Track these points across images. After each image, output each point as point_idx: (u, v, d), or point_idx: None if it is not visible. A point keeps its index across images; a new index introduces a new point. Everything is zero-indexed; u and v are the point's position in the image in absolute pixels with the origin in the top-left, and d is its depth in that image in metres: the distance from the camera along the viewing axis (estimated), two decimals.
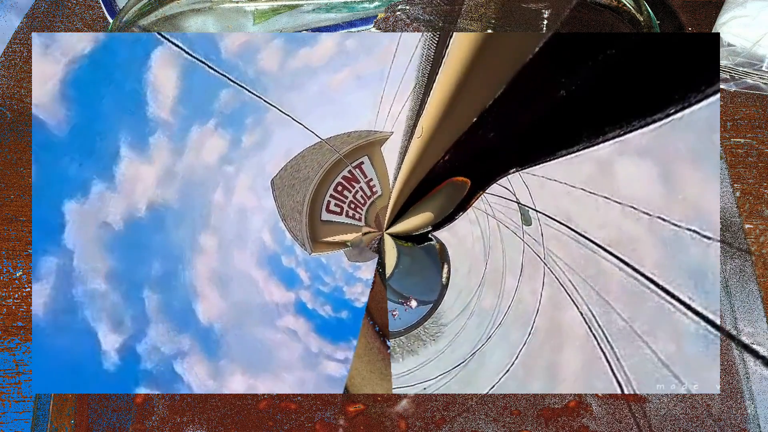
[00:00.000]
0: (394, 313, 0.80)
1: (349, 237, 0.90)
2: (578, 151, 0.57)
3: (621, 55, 0.50)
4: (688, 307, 0.47)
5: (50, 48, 0.71)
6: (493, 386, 0.66)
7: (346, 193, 0.91)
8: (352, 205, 0.91)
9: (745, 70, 0.71)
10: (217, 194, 0.83)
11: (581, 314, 0.58)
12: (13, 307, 0.65)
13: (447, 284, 0.82)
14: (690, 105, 0.44)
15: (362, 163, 0.91)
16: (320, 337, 0.82)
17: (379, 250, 0.87)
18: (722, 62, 0.72)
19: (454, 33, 0.68)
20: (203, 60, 0.77)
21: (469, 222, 0.80)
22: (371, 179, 0.92)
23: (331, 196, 0.91)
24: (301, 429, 0.57)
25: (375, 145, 0.90)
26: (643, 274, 0.51)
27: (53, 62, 0.71)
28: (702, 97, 0.43)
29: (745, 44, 0.71)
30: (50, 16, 0.85)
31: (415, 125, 0.83)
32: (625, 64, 0.50)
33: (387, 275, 0.85)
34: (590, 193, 0.58)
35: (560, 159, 0.60)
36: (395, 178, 0.90)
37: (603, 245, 0.56)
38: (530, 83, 0.58)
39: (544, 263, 0.67)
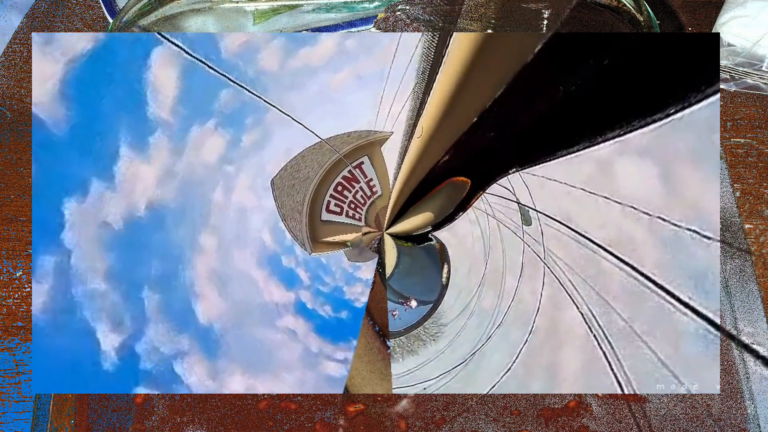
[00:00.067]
0: (394, 313, 0.80)
1: (349, 237, 0.90)
2: (578, 151, 0.57)
3: (621, 55, 0.50)
4: (688, 306, 0.47)
5: (50, 48, 0.71)
6: (493, 386, 0.66)
7: (346, 193, 0.91)
8: (352, 205, 0.91)
9: (745, 70, 0.72)
10: (217, 194, 0.83)
11: (581, 314, 0.58)
12: (13, 307, 0.65)
13: (447, 284, 0.82)
14: (690, 105, 0.44)
15: (362, 163, 0.91)
16: (320, 337, 0.82)
17: (379, 250, 0.87)
18: (722, 62, 0.72)
19: (454, 33, 0.68)
20: (203, 60, 0.77)
21: (469, 222, 0.80)
22: (371, 179, 0.92)
23: (331, 196, 0.91)
24: (301, 429, 0.57)
25: (375, 145, 0.90)
26: (643, 274, 0.51)
27: (53, 62, 0.71)
28: (702, 97, 0.43)
29: (745, 44, 0.71)
30: (50, 16, 0.85)
31: (415, 125, 0.83)
32: (625, 64, 0.50)
33: (387, 275, 0.85)
34: (590, 193, 0.58)
35: (560, 159, 0.60)
36: (395, 178, 0.90)
37: (603, 245, 0.56)
38: (530, 83, 0.58)
39: (544, 263, 0.67)
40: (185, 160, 0.80)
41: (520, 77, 0.58)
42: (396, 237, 0.87)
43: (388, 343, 0.79)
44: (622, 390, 0.52)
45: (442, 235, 0.83)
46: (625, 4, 0.64)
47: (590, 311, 0.57)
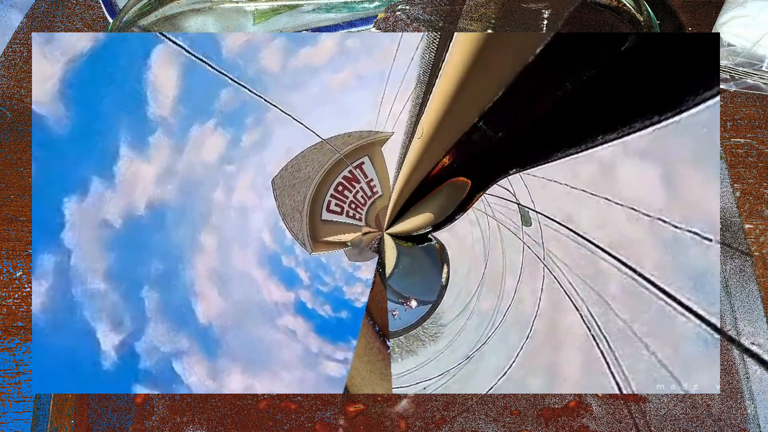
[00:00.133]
0: (394, 313, 0.80)
1: (349, 237, 0.90)
2: (579, 152, 0.57)
3: (621, 55, 0.50)
4: (688, 309, 0.47)
5: (50, 48, 0.71)
6: (493, 386, 0.66)
7: (346, 193, 0.91)
8: (353, 205, 0.91)
9: (745, 70, 0.71)
10: (217, 193, 0.83)
11: (581, 315, 0.58)
12: (13, 307, 0.65)
13: (446, 285, 0.82)
14: (690, 105, 0.44)
15: (363, 163, 0.91)
16: (320, 336, 0.82)
17: (379, 250, 0.87)
18: (722, 62, 0.72)
19: (455, 33, 0.68)
20: (204, 59, 0.77)
21: (469, 223, 0.80)
22: (371, 179, 0.92)
23: (332, 195, 0.91)
24: (301, 429, 0.57)
25: (375, 146, 0.90)
26: (642, 276, 0.51)
27: (53, 62, 0.71)
28: (702, 98, 0.43)
29: (745, 44, 0.71)
30: (50, 16, 0.85)
31: (415, 126, 0.83)
32: (625, 64, 0.50)
33: (387, 275, 0.85)
34: (591, 194, 0.58)
35: (561, 160, 0.60)
36: (395, 179, 0.90)
37: (603, 246, 0.56)
38: (531, 84, 0.58)
39: (544, 264, 0.67)
40: (185, 160, 0.80)
41: (521, 78, 0.58)
42: (396, 237, 0.87)
43: (388, 343, 0.79)
44: (620, 390, 0.52)
45: (442, 235, 0.83)
46: (625, 4, 0.64)
47: (590, 312, 0.57)
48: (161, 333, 0.75)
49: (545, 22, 0.67)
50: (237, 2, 0.69)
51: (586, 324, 0.57)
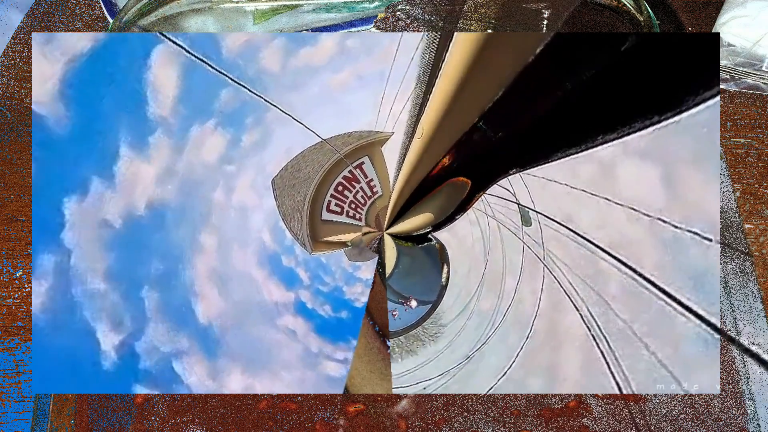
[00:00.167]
0: (394, 313, 0.80)
1: (349, 237, 0.90)
2: (579, 152, 0.57)
3: (621, 55, 0.50)
4: (688, 309, 0.47)
5: (50, 48, 0.71)
6: (493, 386, 0.66)
7: (346, 193, 0.91)
8: (353, 205, 0.91)
9: (745, 70, 0.71)
10: (217, 193, 0.83)
11: (581, 315, 0.58)
12: (13, 307, 0.65)
13: (446, 285, 0.82)
14: (690, 105, 0.44)
15: (363, 163, 0.91)
16: (320, 336, 0.82)
17: (379, 250, 0.87)
18: (722, 62, 0.72)
19: (455, 33, 0.68)
20: (204, 59, 0.77)
21: (469, 223, 0.80)
22: (372, 179, 0.92)
23: (332, 195, 0.91)
24: (301, 429, 0.57)
25: (375, 146, 0.90)
26: (642, 276, 0.51)
27: (53, 62, 0.71)
28: (702, 98, 0.43)
29: (745, 44, 0.71)
30: (50, 16, 0.85)
31: (415, 126, 0.83)
32: (625, 64, 0.50)
33: (387, 275, 0.85)
34: (591, 194, 0.58)
35: (561, 160, 0.60)
36: (395, 179, 0.90)
37: (603, 246, 0.56)
38: (531, 84, 0.58)
39: (544, 264, 0.67)
40: (185, 160, 0.80)
41: (521, 78, 0.58)
42: (396, 237, 0.87)
43: (388, 343, 0.79)
44: (620, 390, 0.52)
45: (442, 235, 0.83)
46: (625, 4, 0.64)
47: (590, 312, 0.57)
48: (161, 333, 0.75)
49: (545, 22, 0.67)
50: (237, 2, 0.69)
51: (586, 324, 0.57)
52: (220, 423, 0.58)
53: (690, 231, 0.46)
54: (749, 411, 0.55)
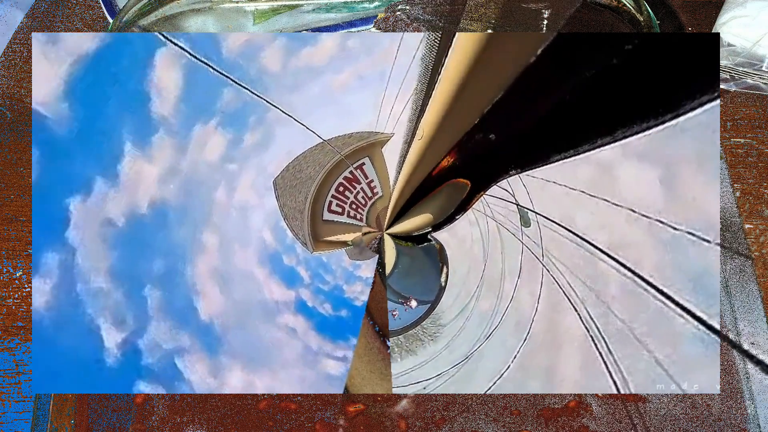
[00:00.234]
0: (394, 313, 0.80)
1: (349, 237, 0.90)
2: (579, 153, 0.57)
3: (621, 56, 0.50)
4: (687, 311, 0.47)
5: (50, 47, 0.71)
6: (492, 386, 0.66)
7: (347, 193, 0.91)
8: (354, 206, 0.91)
9: (745, 70, 0.71)
10: (219, 193, 0.83)
11: (580, 316, 0.58)
12: (13, 307, 0.65)
13: (446, 285, 0.82)
14: (690, 105, 0.44)
15: (363, 164, 0.91)
16: (320, 335, 0.83)
17: (379, 250, 0.87)
18: (722, 62, 0.72)
19: (456, 34, 0.68)
20: (205, 61, 0.77)
21: (468, 223, 0.80)
22: (372, 180, 0.92)
23: (333, 196, 0.91)
24: (301, 429, 0.57)
25: (376, 147, 0.90)
26: (642, 277, 0.51)
27: (53, 62, 0.72)
28: (702, 98, 0.43)
29: (745, 44, 0.71)
30: (50, 16, 0.85)
31: (416, 127, 0.83)
32: (625, 64, 0.50)
33: (387, 275, 0.85)
34: (590, 195, 0.58)
35: (561, 161, 0.60)
36: (396, 179, 0.90)
37: (602, 247, 0.56)
38: (531, 84, 0.58)
39: (543, 265, 0.67)
40: (188, 159, 0.80)
41: (521, 78, 0.58)
42: (396, 237, 0.87)
43: (388, 342, 0.79)
44: (620, 391, 0.52)
45: (441, 236, 0.83)
46: (625, 4, 0.64)
47: (589, 313, 0.57)
48: (163, 331, 0.75)
49: (545, 22, 0.67)
50: (237, 2, 0.69)
51: (585, 325, 0.57)
52: (220, 423, 0.58)
53: (689, 232, 0.46)
54: (749, 411, 0.55)
